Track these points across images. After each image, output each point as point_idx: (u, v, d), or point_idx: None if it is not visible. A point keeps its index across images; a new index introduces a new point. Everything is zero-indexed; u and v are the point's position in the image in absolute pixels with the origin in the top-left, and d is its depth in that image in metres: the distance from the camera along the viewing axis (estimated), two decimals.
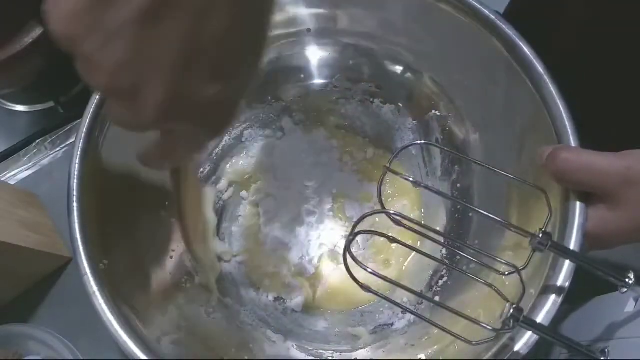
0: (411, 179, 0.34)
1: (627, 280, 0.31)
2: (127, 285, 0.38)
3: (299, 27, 0.48)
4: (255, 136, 0.53)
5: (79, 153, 0.39)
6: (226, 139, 0.51)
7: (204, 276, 0.46)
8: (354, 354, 0.45)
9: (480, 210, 0.33)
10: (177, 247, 0.46)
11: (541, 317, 0.32)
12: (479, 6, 0.40)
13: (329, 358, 0.45)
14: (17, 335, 0.46)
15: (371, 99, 0.52)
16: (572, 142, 0.35)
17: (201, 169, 0.50)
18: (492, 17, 0.40)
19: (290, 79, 0.52)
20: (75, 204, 0.38)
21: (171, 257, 0.45)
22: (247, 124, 0.52)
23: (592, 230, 0.33)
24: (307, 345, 0.46)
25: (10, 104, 0.62)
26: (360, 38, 0.48)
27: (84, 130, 0.40)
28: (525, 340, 0.32)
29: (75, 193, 0.38)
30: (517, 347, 0.32)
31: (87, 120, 0.41)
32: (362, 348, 0.45)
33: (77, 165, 0.39)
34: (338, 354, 0.45)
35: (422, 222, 0.33)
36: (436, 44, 0.46)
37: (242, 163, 0.52)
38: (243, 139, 0.53)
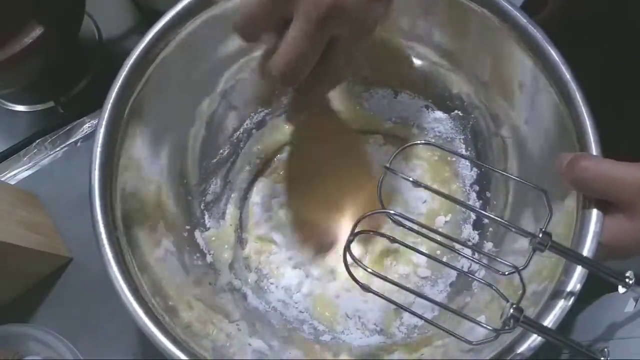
0: (411, 179, 0.34)
1: (626, 280, 0.31)
2: (141, 258, 0.39)
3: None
4: (278, 122, 0.53)
5: (104, 123, 0.39)
6: (247, 123, 0.51)
7: (216, 256, 0.47)
8: (358, 345, 0.45)
9: (481, 211, 0.33)
10: (190, 225, 0.47)
11: (550, 320, 0.32)
12: (508, 7, 0.40)
13: (332, 345, 0.45)
14: (17, 335, 0.46)
15: (394, 95, 0.52)
16: (594, 150, 0.35)
17: (220, 150, 0.50)
18: (523, 19, 0.39)
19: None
20: (96, 172, 0.38)
21: (185, 235, 0.46)
22: (269, 110, 0.52)
23: (610, 240, 0.33)
24: (310, 334, 0.46)
25: (10, 104, 0.62)
26: (386, 32, 0.48)
27: (115, 90, 0.40)
28: (529, 342, 0.32)
29: (97, 164, 0.38)
30: (520, 349, 0.32)
31: (122, 77, 0.40)
32: (366, 345, 0.45)
33: (100, 140, 0.39)
34: (342, 343, 0.46)
35: (424, 223, 0.33)
36: (462, 43, 0.45)
37: (259, 148, 0.52)
38: (264, 125, 0.52)
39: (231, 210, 0.50)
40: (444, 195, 0.34)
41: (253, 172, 0.52)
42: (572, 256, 0.32)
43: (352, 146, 0.53)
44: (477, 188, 0.49)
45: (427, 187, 0.33)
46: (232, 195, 0.51)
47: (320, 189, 0.52)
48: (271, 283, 0.49)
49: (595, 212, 0.33)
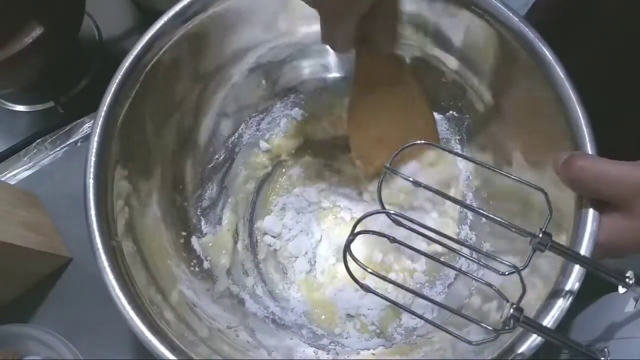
0: (411, 179, 0.34)
1: (626, 280, 0.30)
2: (137, 264, 0.39)
3: None
4: (272, 125, 0.53)
5: (98, 130, 0.39)
6: (242, 128, 0.52)
7: (213, 262, 0.47)
8: (355, 351, 0.45)
9: (480, 211, 0.33)
10: (187, 232, 0.47)
11: (549, 320, 0.32)
12: (502, 7, 0.40)
13: (331, 349, 0.45)
14: (17, 335, 0.46)
15: None
16: (590, 149, 0.35)
17: (216, 156, 0.50)
18: (516, 19, 0.39)
19: (309, 72, 0.52)
20: (91, 181, 0.38)
21: (181, 241, 0.46)
22: (264, 115, 0.52)
23: (606, 239, 0.33)
24: (308, 339, 0.46)
25: (10, 104, 0.62)
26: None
27: (108, 100, 0.40)
28: (529, 342, 0.32)
29: (92, 170, 0.38)
30: (521, 349, 0.32)
31: (112, 90, 0.40)
32: (365, 349, 0.45)
33: (95, 144, 0.39)
34: (340, 347, 0.46)
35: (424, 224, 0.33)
36: (458, 45, 0.45)
37: (255, 151, 0.53)
38: (260, 128, 0.53)
39: (228, 216, 0.50)
40: (444, 195, 0.34)
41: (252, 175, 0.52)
42: (572, 256, 0.32)
43: None
44: (473, 189, 0.49)
45: (426, 187, 0.33)
46: (228, 201, 0.51)
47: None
48: (268, 289, 0.49)
49: (591, 212, 0.33)
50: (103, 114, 0.39)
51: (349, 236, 0.32)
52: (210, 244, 0.48)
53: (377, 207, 0.33)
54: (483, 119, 0.47)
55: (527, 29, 0.39)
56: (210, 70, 0.46)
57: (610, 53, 0.48)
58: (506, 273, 0.32)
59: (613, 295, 0.40)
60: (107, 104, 0.39)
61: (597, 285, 0.33)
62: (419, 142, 0.34)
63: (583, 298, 0.40)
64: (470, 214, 0.49)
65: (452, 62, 0.47)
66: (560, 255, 0.32)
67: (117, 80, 0.40)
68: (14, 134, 0.60)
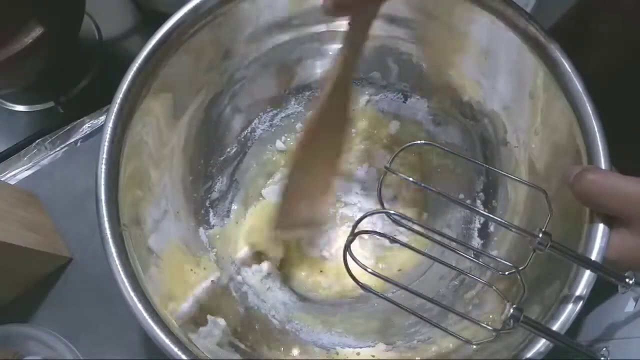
0: (411, 179, 0.34)
1: (626, 280, 0.31)
2: (143, 251, 0.39)
3: (340, 19, 0.47)
4: (286, 121, 0.53)
5: (112, 117, 0.39)
6: (255, 122, 0.52)
7: (219, 254, 0.47)
8: (357, 349, 0.45)
9: (482, 212, 0.33)
10: (194, 222, 0.47)
11: (559, 325, 0.32)
12: (521, 17, 0.39)
13: (331, 348, 0.45)
14: (17, 335, 0.46)
15: (404, 99, 0.52)
16: (603, 163, 0.35)
17: (227, 149, 0.50)
18: (534, 29, 0.39)
19: (321, 71, 0.51)
20: (103, 166, 0.38)
21: (189, 231, 0.46)
22: (277, 111, 0.52)
23: (614, 255, 0.33)
24: (310, 334, 0.46)
25: (10, 104, 0.62)
26: (401, 37, 0.48)
27: (122, 91, 0.39)
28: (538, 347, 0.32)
29: (104, 156, 0.38)
30: (529, 354, 0.32)
31: (126, 84, 0.40)
32: (367, 346, 0.45)
33: (109, 130, 0.38)
34: (341, 346, 0.46)
35: (423, 224, 0.33)
36: (476, 53, 0.45)
37: (269, 148, 0.53)
38: (273, 124, 0.53)
39: (236, 209, 0.50)
40: (445, 196, 0.34)
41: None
42: (572, 256, 0.32)
43: None
44: (483, 197, 0.49)
45: (427, 188, 0.33)
46: (237, 194, 0.51)
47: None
48: (267, 287, 0.49)
49: (601, 227, 0.33)
50: (119, 101, 0.39)
51: (349, 236, 0.32)
52: (217, 236, 0.48)
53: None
54: (496, 126, 0.46)
55: (545, 40, 0.38)
56: (225, 62, 0.46)
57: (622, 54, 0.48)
58: (506, 273, 0.32)
59: (613, 296, 0.40)
60: (122, 92, 0.39)
61: (595, 286, 0.33)
62: (419, 142, 0.34)
63: (589, 300, 0.40)
64: (478, 222, 0.49)
65: (468, 70, 0.46)
66: (560, 255, 0.32)
67: (132, 71, 0.40)
68: (14, 134, 0.60)
